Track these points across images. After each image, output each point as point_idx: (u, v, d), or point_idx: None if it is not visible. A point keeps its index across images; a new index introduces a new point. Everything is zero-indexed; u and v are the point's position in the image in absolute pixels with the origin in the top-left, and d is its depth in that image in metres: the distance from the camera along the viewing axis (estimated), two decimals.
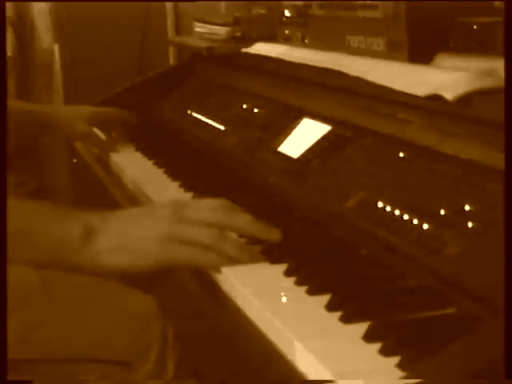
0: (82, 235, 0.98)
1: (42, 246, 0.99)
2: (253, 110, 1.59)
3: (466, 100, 0.99)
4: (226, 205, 1.02)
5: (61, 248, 0.98)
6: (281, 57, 1.52)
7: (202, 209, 1.02)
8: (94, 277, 1.34)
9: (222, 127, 1.64)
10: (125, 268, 1.01)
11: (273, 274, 0.97)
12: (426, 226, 0.93)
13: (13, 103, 1.69)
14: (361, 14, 1.31)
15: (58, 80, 2.81)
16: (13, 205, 1.00)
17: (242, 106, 1.64)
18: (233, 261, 0.99)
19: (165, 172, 1.50)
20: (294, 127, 1.39)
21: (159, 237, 0.99)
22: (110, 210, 1.05)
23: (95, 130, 1.79)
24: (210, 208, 1.02)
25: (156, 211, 1.03)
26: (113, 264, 1.00)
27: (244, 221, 1.01)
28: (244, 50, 1.71)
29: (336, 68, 1.28)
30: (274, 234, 1.02)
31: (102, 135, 1.79)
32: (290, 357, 0.80)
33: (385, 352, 0.74)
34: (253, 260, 0.99)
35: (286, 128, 1.41)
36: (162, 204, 1.05)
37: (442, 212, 0.93)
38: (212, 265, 0.99)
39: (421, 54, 1.19)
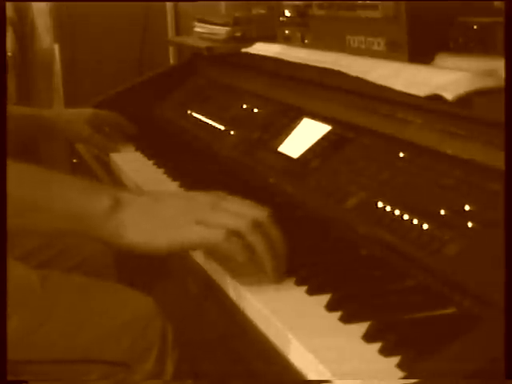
0: (110, 207, 0.95)
1: (68, 214, 0.96)
2: (253, 110, 1.59)
3: (466, 100, 0.99)
4: (267, 212, 0.96)
5: (86, 218, 0.95)
6: (281, 57, 1.52)
7: (242, 204, 0.97)
8: (92, 277, 1.34)
9: (222, 127, 1.64)
10: (147, 247, 0.95)
11: None
12: (425, 226, 0.93)
13: (13, 108, 1.70)
14: (361, 13, 1.31)
15: (58, 80, 2.81)
16: (42, 173, 1.00)
17: (242, 106, 1.64)
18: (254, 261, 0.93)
19: (165, 172, 1.50)
20: (294, 127, 1.39)
21: (189, 219, 0.94)
22: None
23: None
24: (251, 207, 0.97)
25: (193, 196, 0.99)
26: (134, 239, 0.94)
27: (276, 234, 0.95)
28: (244, 49, 1.71)
29: (336, 68, 1.28)
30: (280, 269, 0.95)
31: (102, 136, 1.79)
32: (289, 357, 0.80)
33: (385, 352, 0.74)
34: (277, 278, 0.94)
35: (285, 128, 1.41)
36: (202, 193, 1.00)
37: (442, 212, 0.93)
38: (233, 253, 0.92)
39: (421, 53, 1.19)
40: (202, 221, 0.93)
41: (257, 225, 0.93)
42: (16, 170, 0.97)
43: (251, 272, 0.95)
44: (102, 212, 0.95)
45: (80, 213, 0.96)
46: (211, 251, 1.00)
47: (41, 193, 0.97)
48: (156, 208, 0.96)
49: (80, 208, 0.96)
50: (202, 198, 0.97)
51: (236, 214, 0.94)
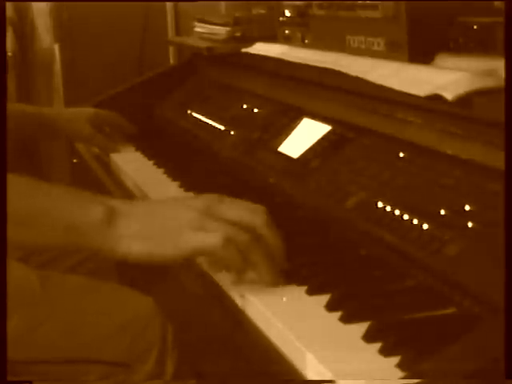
0: (103, 218, 0.91)
1: (59, 227, 0.92)
2: (253, 110, 1.59)
3: (465, 100, 0.99)
4: (264, 212, 0.94)
5: (81, 230, 0.92)
6: (281, 57, 1.52)
7: (239, 208, 0.95)
8: (92, 277, 1.34)
9: (222, 127, 1.64)
10: (145, 257, 0.92)
11: None
12: (425, 226, 0.93)
13: (14, 106, 1.69)
14: (361, 13, 1.31)
15: (58, 80, 2.81)
16: (29, 184, 0.96)
17: (242, 106, 1.64)
18: (253, 272, 0.92)
19: (165, 172, 1.50)
20: (294, 127, 1.39)
21: (186, 226, 0.91)
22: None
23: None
24: (248, 209, 0.95)
25: (188, 202, 0.96)
26: (133, 251, 0.91)
27: (276, 238, 0.93)
28: (244, 49, 1.71)
29: (336, 68, 1.28)
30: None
31: (102, 135, 1.79)
32: (290, 357, 0.80)
33: (385, 352, 0.74)
34: (274, 282, 0.92)
35: (285, 128, 1.41)
36: (196, 196, 0.97)
37: (442, 212, 0.93)
38: (229, 261, 0.92)
39: (421, 53, 1.19)
40: (200, 227, 0.91)
41: (254, 237, 0.91)
42: (8, 182, 0.93)
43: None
44: (97, 223, 0.92)
45: (74, 225, 0.92)
46: (211, 260, 0.98)
47: (32, 205, 0.93)
48: (152, 217, 0.94)
49: (74, 220, 0.92)
50: (197, 203, 0.94)
51: (233, 221, 0.92)
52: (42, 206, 0.94)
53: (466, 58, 1.13)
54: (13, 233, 0.91)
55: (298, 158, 1.29)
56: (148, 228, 0.92)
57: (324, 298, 0.87)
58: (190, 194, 1.32)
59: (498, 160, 0.88)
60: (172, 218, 0.93)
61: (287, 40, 1.60)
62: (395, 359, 0.73)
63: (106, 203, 0.94)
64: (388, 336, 0.76)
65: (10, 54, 2.78)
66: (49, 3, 2.81)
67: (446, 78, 1.04)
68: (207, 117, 1.74)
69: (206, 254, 0.93)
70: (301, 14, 1.54)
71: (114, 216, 0.92)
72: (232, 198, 0.96)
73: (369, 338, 0.77)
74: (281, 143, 1.38)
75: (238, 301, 0.94)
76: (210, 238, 0.90)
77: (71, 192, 0.97)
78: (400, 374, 0.71)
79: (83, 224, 0.92)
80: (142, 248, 0.92)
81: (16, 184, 0.94)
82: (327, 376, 0.73)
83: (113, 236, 0.92)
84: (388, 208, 1.01)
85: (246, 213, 0.93)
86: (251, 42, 1.72)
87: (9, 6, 2.73)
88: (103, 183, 1.63)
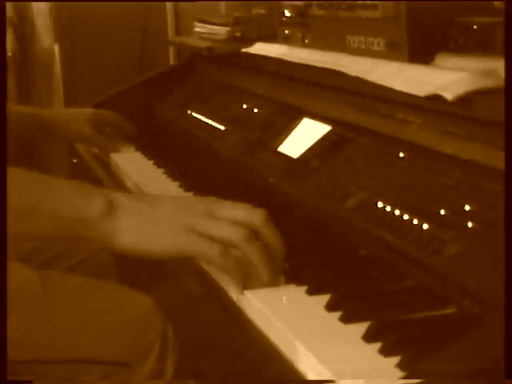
0: (103, 210, 0.93)
1: (59, 218, 0.94)
2: (253, 110, 1.59)
3: (466, 100, 0.99)
4: (264, 214, 0.95)
5: (80, 221, 0.93)
6: (281, 57, 1.52)
7: (238, 209, 0.95)
8: (93, 277, 1.34)
9: (222, 127, 1.64)
10: (139, 251, 0.94)
11: None
12: (425, 226, 0.93)
13: (13, 107, 1.69)
14: (361, 13, 1.31)
15: (58, 80, 2.81)
16: (29, 176, 0.97)
17: (242, 106, 1.64)
18: (251, 273, 0.92)
19: (165, 172, 1.50)
20: (294, 127, 1.39)
21: (183, 226, 0.92)
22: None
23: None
24: (247, 210, 0.95)
25: (189, 203, 0.97)
26: (128, 244, 0.93)
27: (275, 236, 0.94)
28: (244, 49, 1.71)
29: (336, 68, 1.28)
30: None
31: (101, 136, 1.79)
32: (290, 357, 0.80)
33: (385, 352, 0.74)
34: (274, 282, 0.93)
35: (285, 128, 1.41)
36: (199, 198, 1.00)
37: (442, 212, 0.93)
38: (228, 270, 0.93)
39: (421, 54, 1.19)
40: (197, 229, 0.92)
41: (252, 235, 0.92)
42: (8, 175, 0.94)
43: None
44: (96, 215, 0.93)
45: (73, 216, 0.93)
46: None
47: (33, 197, 0.94)
48: (150, 213, 0.95)
49: (73, 211, 0.94)
50: (195, 204, 0.96)
51: (231, 222, 0.93)
52: (42, 197, 0.95)
53: (466, 58, 1.13)
54: (13, 224, 0.91)
55: (298, 158, 1.29)
56: (146, 223, 0.94)
57: (324, 298, 0.87)
58: (190, 194, 1.32)
59: (497, 160, 0.88)
60: (171, 215, 0.94)
61: (287, 40, 1.60)
62: (395, 359, 0.73)
63: (107, 195, 0.95)
64: (388, 336, 0.76)
65: (9, 54, 2.78)
66: (49, 3, 2.81)
67: (446, 78, 1.05)
68: (207, 117, 1.74)
69: (202, 259, 0.95)
70: (301, 14, 1.54)
71: (114, 209, 0.94)
72: (231, 201, 0.97)
73: (369, 337, 0.77)
74: (281, 143, 1.38)
75: (238, 300, 0.94)
76: (208, 247, 0.91)
77: (71, 184, 0.99)
78: (400, 373, 0.71)
79: (83, 215, 0.93)
80: (138, 242, 0.93)
81: (16, 176, 0.95)
82: (327, 376, 0.73)
83: (111, 228, 0.93)
84: (388, 208, 1.01)
85: (246, 212, 0.94)
86: (251, 42, 1.72)
87: (9, 6, 2.73)
88: (103, 183, 1.63)
